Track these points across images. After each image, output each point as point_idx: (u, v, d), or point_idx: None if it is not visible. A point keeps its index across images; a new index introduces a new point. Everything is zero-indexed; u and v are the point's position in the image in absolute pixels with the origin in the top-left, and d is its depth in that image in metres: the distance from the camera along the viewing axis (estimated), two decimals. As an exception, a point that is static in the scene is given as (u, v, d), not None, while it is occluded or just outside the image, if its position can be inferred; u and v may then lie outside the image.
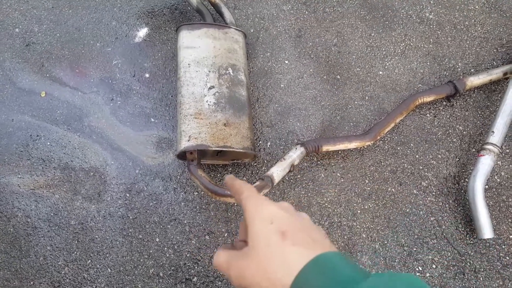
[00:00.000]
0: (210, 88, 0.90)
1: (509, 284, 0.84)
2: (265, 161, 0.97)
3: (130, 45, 1.09)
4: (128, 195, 0.94)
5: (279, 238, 0.29)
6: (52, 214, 0.92)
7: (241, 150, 0.86)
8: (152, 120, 1.01)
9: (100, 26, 1.12)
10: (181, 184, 0.94)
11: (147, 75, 1.06)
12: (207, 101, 0.88)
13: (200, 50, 0.94)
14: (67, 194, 0.94)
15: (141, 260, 0.87)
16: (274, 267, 0.28)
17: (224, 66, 0.93)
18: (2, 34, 1.13)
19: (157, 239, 0.89)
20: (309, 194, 0.94)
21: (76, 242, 0.89)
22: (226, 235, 0.90)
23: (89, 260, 0.87)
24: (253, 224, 0.31)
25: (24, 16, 1.15)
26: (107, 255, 0.88)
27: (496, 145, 0.90)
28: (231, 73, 0.94)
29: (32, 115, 1.02)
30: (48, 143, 0.99)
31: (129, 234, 0.90)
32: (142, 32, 1.10)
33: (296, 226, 0.31)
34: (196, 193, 0.94)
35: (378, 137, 0.94)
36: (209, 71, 0.92)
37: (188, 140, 0.84)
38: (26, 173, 0.96)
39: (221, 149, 0.84)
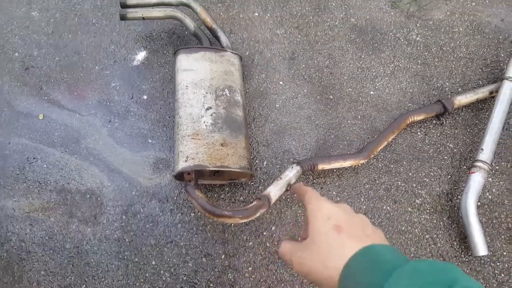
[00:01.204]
0: (207, 109, 0.91)
1: (507, 301, 0.84)
2: (262, 180, 0.98)
3: (128, 68, 1.11)
4: (124, 217, 0.93)
5: (335, 232, 0.35)
6: (47, 238, 0.90)
7: (238, 170, 0.87)
8: (150, 141, 1.02)
9: (99, 50, 1.15)
10: (177, 205, 0.94)
11: (145, 97, 1.07)
12: (204, 122, 0.90)
13: (198, 73, 0.96)
14: (63, 217, 0.93)
15: (137, 284, 0.86)
16: (330, 255, 0.33)
17: (221, 88, 0.96)
18: (1, 58, 1.14)
19: (153, 262, 0.88)
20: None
21: (71, 266, 0.87)
22: (223, 257, 0.89)
23: (84, 285, 0.86)
24: (313, 221, 0.37)
25: (24, 41, 1.17)
26: (102, 279, 0.86)
27: (486, 162, 0.93)
28: (228, 94, 0.96)
29: (29, 137, 1.03)
30: (45, 166, 0.99)
31: (125, 257, 0.89)
32: (141, 55, 1.13)
33: (351, 222, 0.36)
34: (193, 214, 0.93)
35: (372, 156, 0.96)
36: (206, 93, 0.94)
37: (186, 161, 0.85)
38: (21, 196, 0.95)
39: (218, 169, 0.85)
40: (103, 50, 1.15)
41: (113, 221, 0.92)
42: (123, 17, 1.08)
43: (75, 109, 1.06)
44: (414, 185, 0.97)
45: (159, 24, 1.18)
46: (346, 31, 1.16)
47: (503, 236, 0.91)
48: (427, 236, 0.92)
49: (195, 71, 0.97)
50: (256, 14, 1.19)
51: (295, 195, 0.43)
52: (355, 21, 1.17)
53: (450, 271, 0.27)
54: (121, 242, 0.90)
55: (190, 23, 1.07)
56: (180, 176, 0.87)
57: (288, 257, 0.38)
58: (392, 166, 0.99)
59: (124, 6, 1.08)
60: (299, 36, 1.15)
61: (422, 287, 0.26)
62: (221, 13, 1.18)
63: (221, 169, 0.85)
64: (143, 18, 1.09)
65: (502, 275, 0.87)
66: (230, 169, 0.86)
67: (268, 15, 1.18)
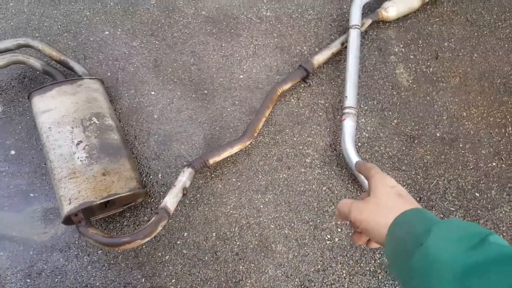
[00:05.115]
0: (78, 144, 0.98)
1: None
2: (161, 193, 1.08)
3: (-16, 128, 1.12)
4: (29, 280, 0.97)
5: (397, 196, 0.45)
6: None
7: (128, 193, 0.96)
8: (31, 195, 1.05)
9: None
10: (81, 249, 1.00)
11: (12, 152, 1.10)
12: (78, 158, 0.96)
13: (58, 111, 1.02)
14: (-43, 308, 0.94)
15: None
16: (385, 210, 0.44)
17: (87, 118, 1.03)
18: None
19: (73, 312, 0.94)
20: (213, 208, 1.07)
21: None
22: (143, 280, 0.98)
23: None
24: (379, 187, 0.47)
25: None
26: None
27: (352, 107, 1.13)
28: (97, 122, 1.03)
29: None
30: None
31: (41, 320, 0.93)
32: (-7, 111, 1.15)
33: (408, 194, 0.47)
34: (100, 251, 1.00)
35: (255, 134, 1.12)
36: (73, 128, 1.00)
37: (70, 203, 0.91)
38: None
39: (106, 199, 0.93)
40: (-51, 117, 1.14)
41: (16, 290, 0.95)
42: (-42, 77, 1.09)
43: None
44: (301, 147, 1.14)
45: (5, 72, 1.20)
46: (201, 25, 1.29)
47: (387, 165, 1.13)
48: (324, 188, 1.10)
49: (54, 109, 1.02)
50: (107, 32, 1.27)
51: (361, 173, 0.55)
52: (206, 13, 1.31)
53: (479, 226, 0.37)
54: (32, 307, 0.94)
55: (36, 62, 1.12)
56: (69, 221, 0.93)
57: (346, 208, 0.48)
58: (278, 138, 1.15)
59: (-44, 64, 1.09)
60: (156, 42, 1.26)
61: (462, 236, 0.35)
62: (70, 42, 1.24)
63: (109, 198, 0.93)
64: (-18, 72, 1.11)
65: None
66: (120, 195, 0.95)
67: (119, 30, 1.27)
